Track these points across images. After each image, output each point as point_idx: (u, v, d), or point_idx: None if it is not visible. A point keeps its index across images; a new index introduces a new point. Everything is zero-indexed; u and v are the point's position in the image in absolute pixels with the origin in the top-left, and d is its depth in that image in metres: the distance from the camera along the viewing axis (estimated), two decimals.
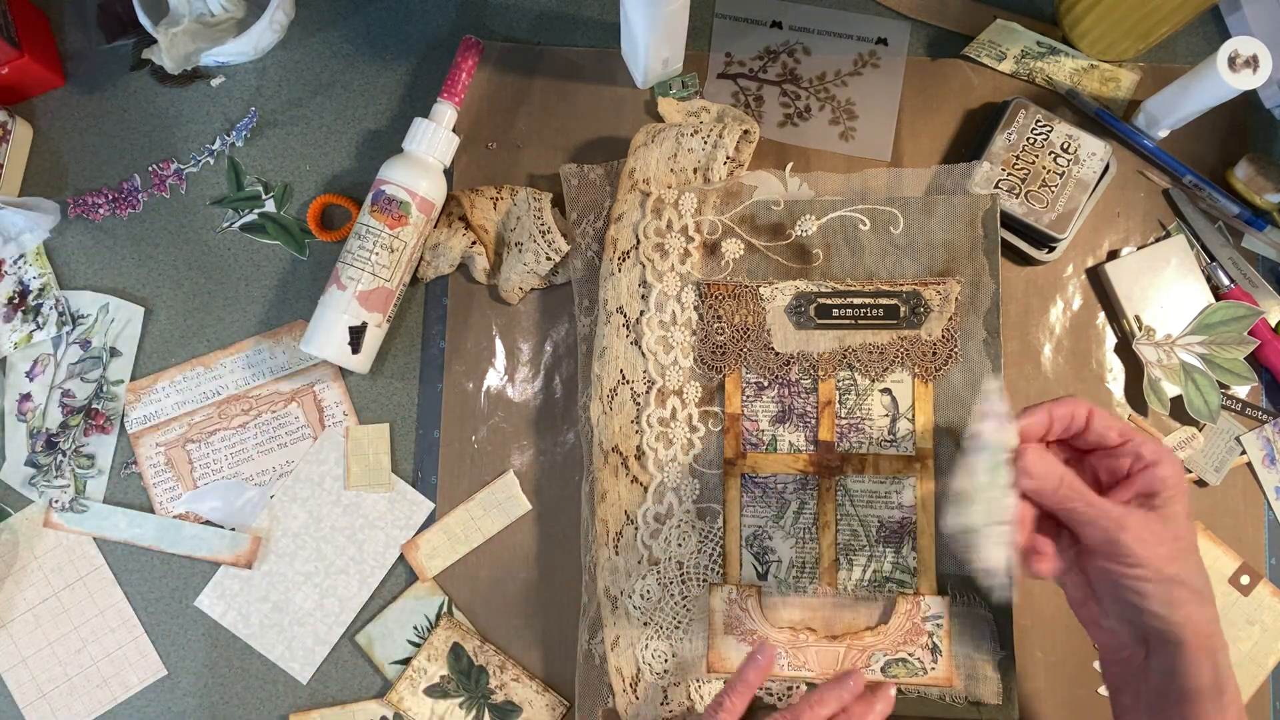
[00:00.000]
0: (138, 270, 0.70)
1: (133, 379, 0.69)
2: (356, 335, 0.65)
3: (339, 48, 0.72)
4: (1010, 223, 0.66)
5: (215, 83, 0.71)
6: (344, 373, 0.69)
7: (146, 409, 0.69)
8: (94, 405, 0.68)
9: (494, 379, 0.68)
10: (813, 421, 0.64)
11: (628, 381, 0.65)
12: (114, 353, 0.69)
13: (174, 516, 0.68)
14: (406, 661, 0.66)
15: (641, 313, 0.65)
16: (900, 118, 0.70)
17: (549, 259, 0.66)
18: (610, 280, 0.65)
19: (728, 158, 0.66)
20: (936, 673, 0.61)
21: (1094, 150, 0.66)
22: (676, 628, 0.63)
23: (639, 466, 0.64)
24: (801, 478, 0.64)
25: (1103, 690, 0.65)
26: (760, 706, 0.63)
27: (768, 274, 0.65)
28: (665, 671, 0.63)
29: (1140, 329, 0.67)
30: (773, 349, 0.64)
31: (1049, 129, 0.66)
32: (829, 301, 0.64)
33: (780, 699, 0.63)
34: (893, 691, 0.59)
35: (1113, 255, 0.68)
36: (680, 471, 0.64)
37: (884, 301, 0.64)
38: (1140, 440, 0.54)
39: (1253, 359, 0.67)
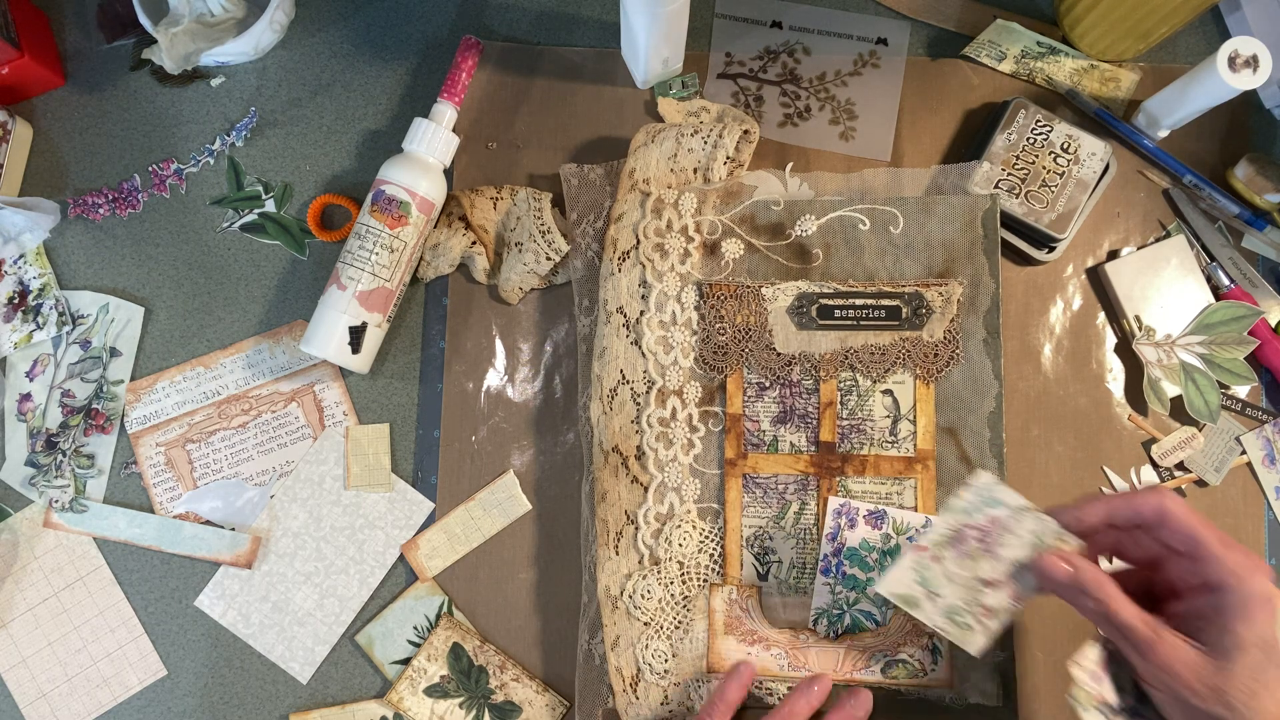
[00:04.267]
0: (138, 270, 0.70)
1: (133, 379, 0.69)
2: (356, 335, 0.65)
3: (339, 48, 0.72)
4: (1010, 223, 0.66)
5: (215, 83, 0.71)
6: (344, 373, 0.69)
7: (146, 409, 0.68)
8: (94, 405, 0.68)
9: (494, 379, 0.68)
10: (814, 422, 0.64)
11: (628, 381, 0.65)
12: (114, 353, 0.69)
13: (174, 516, 0.68)
14: (406, 661, 0.66)
15: (641, 313, 0.65)
16: (900, 118, 0.70)
17: (549, 259, 0.66)
18: (610, 280, 0.65)
19: (728, 158, 0.66)
20: (936, 674, 0.61)
21: (1094, 150, 0.66)
22: (677, 628, 0.63)
23: (639, 466, 0.64)
24: (802, 478, 0.64)
25: None
26: (760, 706, 0.63)
27: (768, 274, 0.65)
28: (665, 671, 0.63)
29: (1140, 329, 0.67)
30: (774, 349, 0.64)
31: (1049, 129, 0.66)
32: (831, 302, 0.64)
33: (780, 700, 0.63)
34: (868, 697, 0.58)
35: (1113, 255, 0.68)
36: (680, 471, 0.64)
37: (886, 303, 0.64)
38: (1216, 564, 0.46)
39: (1253, 359, 0.67)
